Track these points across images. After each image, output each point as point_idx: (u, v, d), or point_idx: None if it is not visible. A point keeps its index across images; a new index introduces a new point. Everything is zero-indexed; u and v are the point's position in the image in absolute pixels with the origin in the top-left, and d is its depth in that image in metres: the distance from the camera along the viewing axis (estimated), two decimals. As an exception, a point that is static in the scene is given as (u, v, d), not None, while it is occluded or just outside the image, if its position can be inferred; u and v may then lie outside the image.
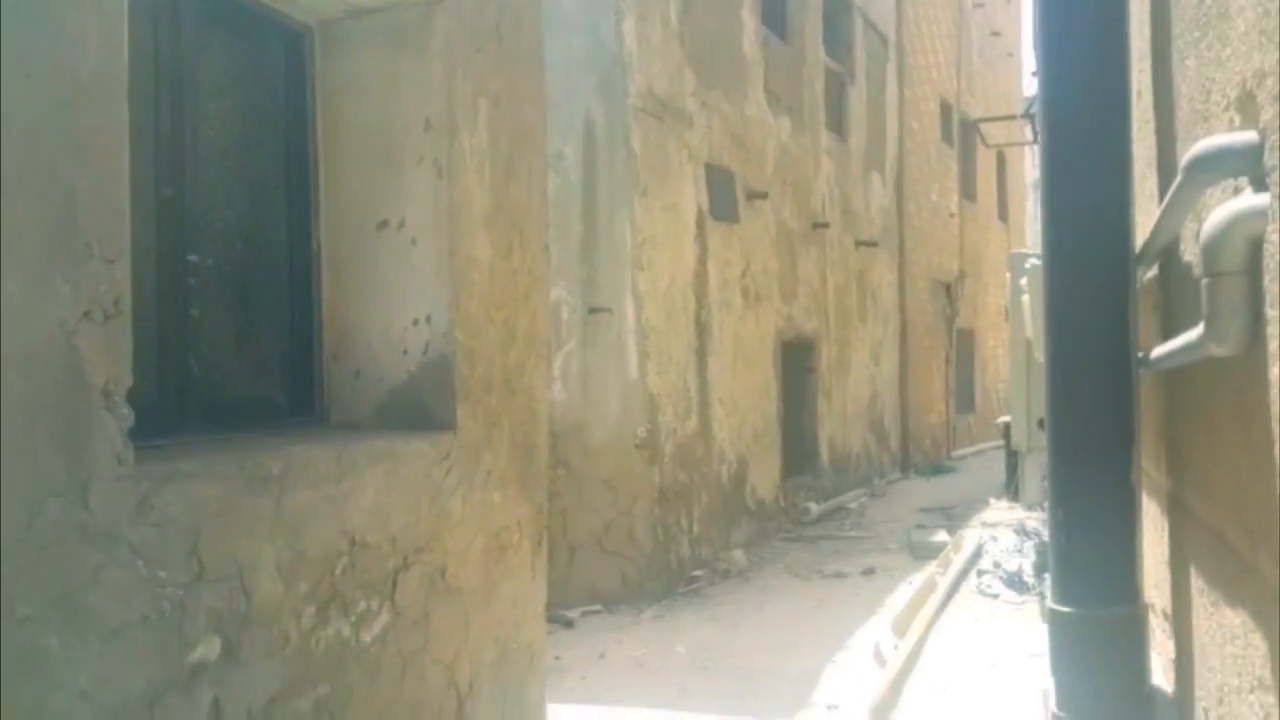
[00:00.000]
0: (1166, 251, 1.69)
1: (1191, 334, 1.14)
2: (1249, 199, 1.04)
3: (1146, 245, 1.83)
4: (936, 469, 13.82)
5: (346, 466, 2.77)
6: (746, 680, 5.06)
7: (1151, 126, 1.90)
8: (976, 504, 10.52)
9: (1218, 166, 1.13)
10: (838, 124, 11.41)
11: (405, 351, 3.32)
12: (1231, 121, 1.21)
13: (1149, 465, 1.91)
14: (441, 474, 3.21)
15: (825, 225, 10.43)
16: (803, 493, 9.49)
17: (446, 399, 3.30)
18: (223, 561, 2.26)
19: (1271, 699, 1.02)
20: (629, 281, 6.64)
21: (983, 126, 18.30)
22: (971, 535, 8.02)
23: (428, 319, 3.30)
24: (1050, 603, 1.88)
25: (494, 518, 3.55)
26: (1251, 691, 1.10)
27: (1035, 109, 10.08)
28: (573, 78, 6.49)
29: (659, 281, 6.92)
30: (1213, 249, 1.06)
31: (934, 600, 5.94)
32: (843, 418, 10.97)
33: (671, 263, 7.14)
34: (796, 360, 9.65)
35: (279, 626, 2.47)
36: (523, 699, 3.72)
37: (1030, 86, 15.47)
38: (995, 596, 6.21)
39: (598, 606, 6.38)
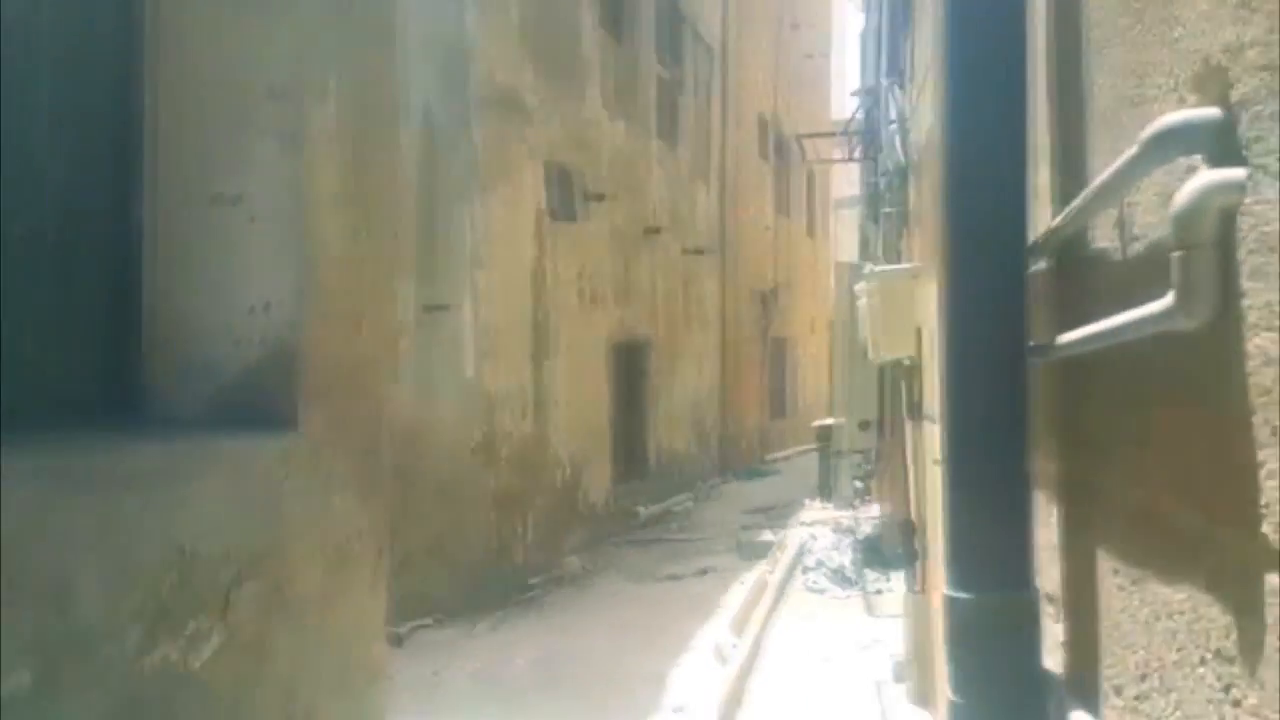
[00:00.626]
0: (1071, 241, 1.72)
1: (1151, 308, 1.13)
2: (1222, 173, 1.03)
3: (1044, 238, 1.86)
4: (754, 472, 14.22)
5: (179, 468, 2.47)
6: (592, 689, 4.96)
7: (1047, 122, 1.94)
8: (795, 505, 10.88)
9: (1181, 142, 1.12)
10: (669, 132, 11.55)
11: (241, 342, 3.00)
12: (1182, 101, 1.21)
13: (1038, 454, 1.94)
14: (281, 477, 2.92)
15: (657, 231, 10.52)
16: (633, 497, 9.51)
17: (289, 395, 3.01)
18: (36, 577, 1.94)
19: (1235, 669, 1.00)
20: (468, 279, 6.42)
21: (796, 145, 19.11)
22: (795, 535, 8.27)
23: (267, 307, 2.99)
24: (946, 590, 1.88)
25: (336, 526, 3.28)
26: (1202, 664, 1.09)
27: (854, 127, 10.58)
28: (411, 65, 6.20)
29: (498, 280, 6.73)
30: (1185, 222, 1.05)
31: (766, 599, 6.05)
32: (670, 422, 11.09)
33: (511, 261, 6.97)
34: (629, 364, 9.67)
35: (102, 651, 2.16)
36: None
37: (843, 109, 16.26)
38: (822, 592, 6.41)
39: (429, 620, 6.09)
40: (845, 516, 9.47)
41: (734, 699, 4.53)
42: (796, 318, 19.06)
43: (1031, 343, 1.95)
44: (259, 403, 3.05)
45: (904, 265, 4.54)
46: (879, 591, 6.33)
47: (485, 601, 6.33)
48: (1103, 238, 1.60)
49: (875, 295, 4.49)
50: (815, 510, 10.26)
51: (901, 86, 5.34)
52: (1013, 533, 1.92)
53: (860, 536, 8.01)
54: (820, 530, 8.57)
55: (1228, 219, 1.04)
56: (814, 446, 19.09)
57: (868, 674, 4.87)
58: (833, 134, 12.25)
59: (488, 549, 6.46)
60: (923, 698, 4.41)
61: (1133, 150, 1.25)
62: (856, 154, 12.02)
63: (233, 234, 3.05)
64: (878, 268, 4.58)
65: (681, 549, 8.42)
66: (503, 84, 7.04)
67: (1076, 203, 1.60)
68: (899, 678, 4.67)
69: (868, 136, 9.31)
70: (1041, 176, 2.03)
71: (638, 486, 9.77)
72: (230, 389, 3.05)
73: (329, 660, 3.26)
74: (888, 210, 4.99)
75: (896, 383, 6.85)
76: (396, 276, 4.10)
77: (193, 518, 2.53)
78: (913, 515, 4.48)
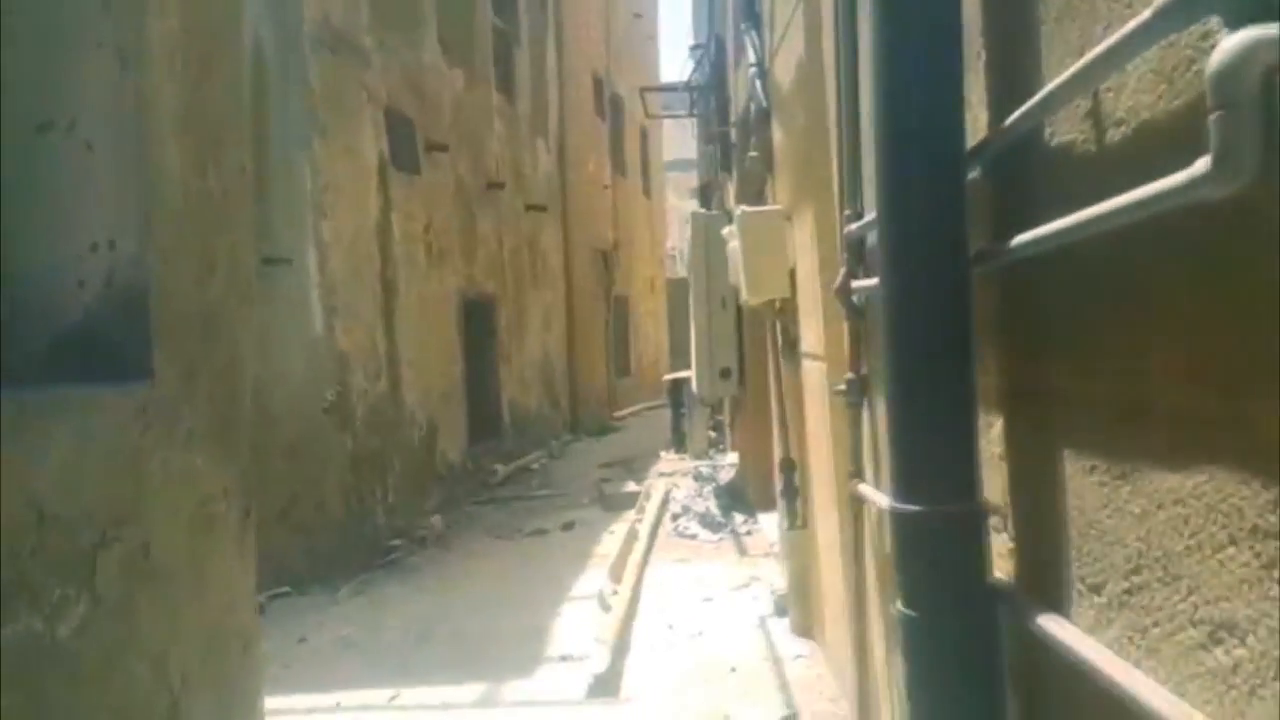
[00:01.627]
0: (1020, 143, 1.71)
1: (1176, 179, 1.10)
2: (1265, 28, 1.01)
3: (983, 144, 1.85)
4: (603, 428, 14.26)
5: (28, 421, 2.16)
6: (472, 645, 4.81)
7: (980, 26, 1.93)
8: (649, 457, 10.97)
9: (1204, 3, 1.10)
10: (506, 85, 11.23)
11: (81, 283, 2.64)
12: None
13: (980, 366, 1.95)
14: (138, 432, 2.62)
15: (500, 186, 10.25)
16: (488, 455, 9.31)
17: (138, 341, 2.69)
18: (-124, 544, 1.64)
19: (1274, 544, 1.00)
20: (310, 230, 6.02)
21: (628, 103, 19.08)
22: (657, 485, 8.32)
23: (110, 244, 2.64)
24: (892, 502, 1.86)
25: (198, 485, 2.98)
26: (1231, 545, 1.09)
27: (696, 81, 10.61)
28: (238, -4, 5.69)
29: (343, 231, 6.35)
30: (1225, 80, 1.02)
31: (639, 546, 6.05)
32: (521, 380, 10.92)
33: (355, 212, 6.59)
34: (478, 322, 9.41)
35: (-45, 626, 1.87)
36: (240, 692, 3.20)
37: (671, 70, 16.29)
38: (693, 537, 6.47)
39: (286, 588, 5.75)
40: (702, 465, 9.62)
41: (621, 644, 4.50)
42: (636, 277, 19.16)
43: (974, 251, 1.96)
44: (105, 350, 2.72)
45: (774, 207, 4.56)
46: (748, 533, 6.45)
47: (345, 566, 6.04)
48: (1066, 132, 1.60)
49: (748, 237, 4.49)
50: (671, 461, 10.37)
51: (758, 30, 5.34)
52: (959, 444, 1.93)
53: (721, 483, 8.16)
54: (680, 480, 8.66)
55: (1269, 77, 1.02)
56: (658, 404, 19.36)
57: (749, 611, 4.95)
58: (674, 88, 12.26)
59: (346, 512, 6.15)
60: (805, 629, 4.52)
61: (1142, 17, 1.23)
62: (697, 109, 12.10)
63: (67, 164, 2.68)
64: (749, 209, 4.58)
65: (542, 505, 8.32)
66: (338, 25, 6.60)
67: (1035, 100, 1.59)
68: (780, 611, 4.77)
69: (712, 88, 9.35)
70: (974, 83, 2.03)
71: (493, 445, 9.57)
72: (69, 335, 2.70)
73: (200, 628, 2.99)
74: (752, 154, 5.00)
75: (760, 327, 6.96)
76: (250, 212, 3.75)
77: (48, 476, 2.24)
78: (791, 453, 4.55)
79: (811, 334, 4.07)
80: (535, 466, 10.25)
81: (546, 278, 12.47)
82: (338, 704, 4.22)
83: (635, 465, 10.36)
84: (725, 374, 7.17)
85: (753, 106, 5.01)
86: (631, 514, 7.52)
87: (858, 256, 2.99)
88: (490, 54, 10.43)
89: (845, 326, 3.04)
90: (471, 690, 4.26)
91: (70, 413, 2.31)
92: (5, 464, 2.07)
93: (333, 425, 6.04)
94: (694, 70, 10.32)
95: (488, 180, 9.91)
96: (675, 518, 6.95)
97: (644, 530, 6.46)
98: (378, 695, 4.26)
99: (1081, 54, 1.46)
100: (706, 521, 6.69)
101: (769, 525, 6.50)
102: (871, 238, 2.91)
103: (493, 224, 10.02)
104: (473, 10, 9.80)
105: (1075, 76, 1.45)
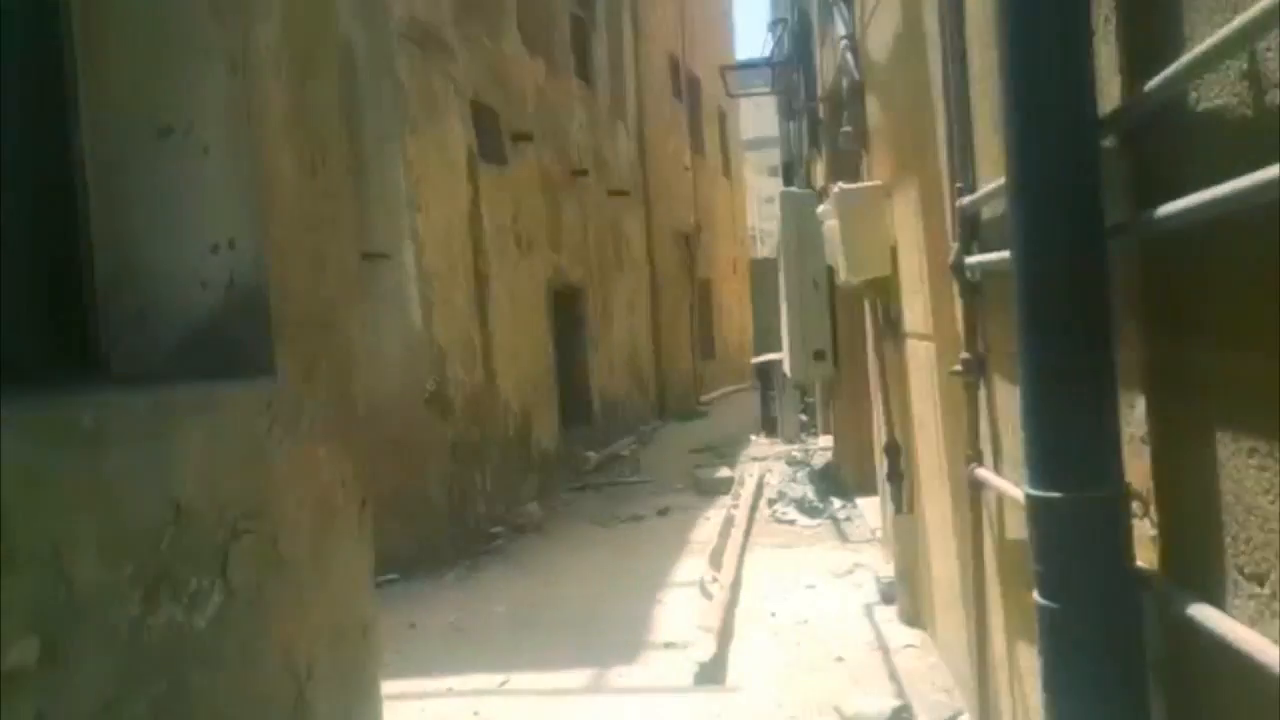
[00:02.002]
0: (1163, 109, 1.61)
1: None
2: None
3: (1119, 112, 1.75)
4: (691, 414, 14.24)
5: (165, 419, 2.24)
6: (576, 631, 4.85)
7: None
8: (739, 442, 10.91)
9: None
10: (584, 71, 11.24)
11: (205, 284, 2.73)
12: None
13: (1124, 343, 1.85)
14: (264, 426, 2.70)
15: (584, 173, 10.27)
16: (581, 443, 9.37)
17: (261, 338, 2.77)
18: (35, 541, 1.71)
19: None
20: (406, 224, 6.12)
21: (705, 83, 18.93)
22: (750, 470, 8.26)
23: (230, 244, 2.72)
24: (1028, 488, 1.79)
25: (320, 476, 3.07)
26: None
27: (777, 57, 10.45)
28: (329, -3, 5.79)
29: (436, 225, 6.44)
30: None
31: (737, 533, 6.02)
32: (610, 367, 10.96)
33: (446, 205, 6.67)
34: (566, 310, 9.47)
35: (106, 617, 1.95)
36: (360, 680, 3.29)
37: (746, 48, 16.08)
38: (792, 523, 6.41)
39: (393, 575, 5.87)
40: (794, 450, 9.53)
41: (725, 631, 4.48)
42: (718, 259, 19.04)
43: (1110, 223, 1.86)
44: (230, 348, 2.80)
45: (873, 183, 4.45)
46: (847, 519, 6.36)
47: (449, 554, 6.15)
48: (1216, 96, 1.50)
49: (846, 215, 4.40)
50: (761, 446, 10.30)
51: (848, 2, 5.21)
52: (1099, 427, 1.84)
53: (816, 468, 8.06)
54: (773, 464, 8.59)
55: None
56: (743, 387, 19.26)
57: (854, 598, 4.88)
58: (755, 64, 12.10)
59: (448, 501, 6.26)
60: (914, 617, 4.43)
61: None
62: (778, 85, 11.92)
63: (187, 168, 2.76)
64: (848, 185, 4.49)
65: (636, 491, 8.34)
66: (423, 19, 6.67)
67: (1181, 62, 1.49)
68: (887, 599, 4.68)
69: (795, 63, 9.19)
70: (1103, 48, 1.93)
71: (584, 432, 9.63)
72: (196, 335, 2.78)
73: (324, 615, 3.07)
74: (846, 129, 4.88)
75: (855, 308, 6.83)
76: (354, 210, 3.82)
77: (184, 472, 2.32)
78: (896, 436, 4.45)
79: (917, 313, 3.97)
80: (625, 453, 10.29)
81: (630, 263, 12.48)
82: (449, 689, 4.30)
83: (726, 450, 10.31)
84: (819, 356, 7.07)
85: (845, 81, 4.89)
86: (726, 499, 7.49)
87: (971, 231, 2.89)
88: (569, 41, 10.44)
89: (959, 304, 2.95)
90: (579, 676, 4.30)
91: (203, 410, 2.39)
92: (143, 463, 2.14)
93: (433, 416, 6.15)
94: (774, 46, 10.16)
95: (571, 168, 9.94)
96: (771, 503, 6.89)
97: (741, 516, 6.42)
98: (488, 680, 4.33)
99: (1236, 11, 1.37)
100: (804, 507, 6.61)
101: (868, 510, 6.40)
102: (987, 211, 2.81)
103: (577, 212, 10.05)
104: (550, 0, 9.82)
105: (1230, 36, 1.35)
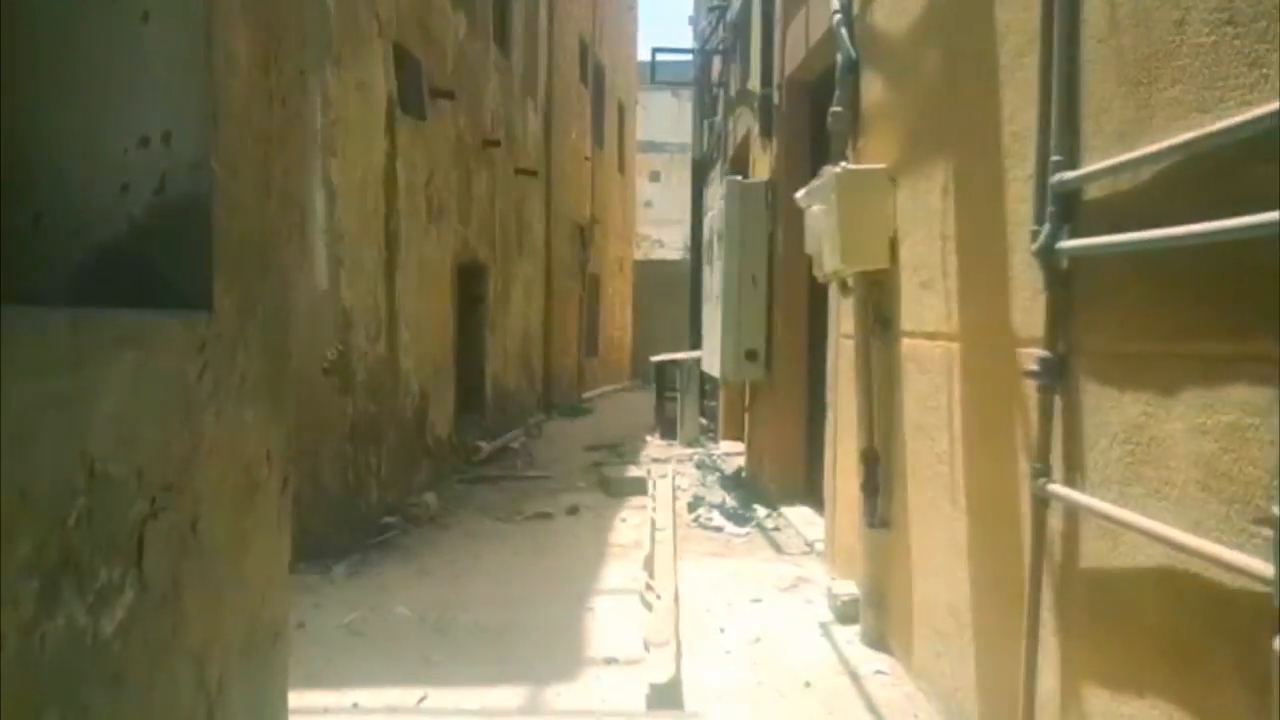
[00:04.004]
0: None
1: None
2: None
3: None
4: (575, 410, 13.72)
5: (85, 349, 1.60)
6: (498, 639, 4.26)
7: None
8: (634, 441, 10.47)
9: None
10: (502, 37, 10.58)
11: (126, 187, 2.05)
12: None
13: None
14: (195, 374, 2.05)
15: (496, 144, 9.61)
16: (472, 431, 8.71)
17: (196, 264, 2.10)
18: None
19: None
20: (319, 169, 5.36)
21: (610, 74, 18.50)
22: (660, 470, 7.81)
23: (165, 139, 2.04)
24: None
25: (246, 444, 2.41)
26: None
27: (714, 45, 10.08)
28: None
29: (352, 175, 5.70)
30: None
31: (665, 538, 5.55)
32: (504, 354, 10.31)
33: (364, 155, 5.94)
34: (468, 288, 8.80)
35: (-15, 617, 1.31)
36: (269, 694, 2.64)
37: (646, 42, 15.63)
38: (719, 529, 5.99)
39: (273, 567, 5.10)
40: (695, 453, 9.15)
41: (675, 645, 4.00)
42: (607, 256, 18.61)
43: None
44: (152, 274, 2.11)
45: (875, 166, 4.08)
46: (776, 529, 5.99)
47: (338, 544, 5.42)
48: None
49: (845, 200, 4.00)
50: (659, 447, 9.89)
51: (839, -22, 4.84)
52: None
53: (727, 473, 7.69)
54: (678, 467, 8.17)
55: None
56: (621, 386, 18.85)
57: (805, 615, 4.48)
58: (687, 52, 11.71)
59: (342, 485, 5.53)
60: (879, 639, 4.07)
61: None
62: (700, 78, 11.58)
63: (114, 32, 2.07)
64: (851, 166, 4.09)
65: (535, 487, 7.75)
66: (350, -57, 5.93)
67: None
68: (844, 619, 4.31)
69: (734, 50, 8.84)
70: None
71: (475, 420, 8.97)
72: (106, 254, 2.09)
73: (239, 618, 2.40)
74: (836, 109, 4.50)
75: (793, 307, 6.49)
76: (305, 123, 3.17)
77: (103, 421, 1.66)
78: (875, 445, 4.08)
79: (927, 310, 3.61)
80: (516, 445, 9.67)
81: (531, 247, 11.87)
82: (354, 704, 3.65)
83: (623, 449, 9.84)
84: (751, 356, 6.70)
85: (839, 58, 4.51)
86: (639, 500, 7.02)
87: (1067, 213, 2.52)
88: (491, 1, 9.77)
89: (1043, 297, 2.57)
90: (510, 694, 3.72)
91: (130, 344, 1.73)
92: (58, 402, 1.49)
93: (332, 389, 5.41)
94: (709, 32, 9.78)
95: (484, 137, 9.27)
96: (691, 508, 6.45)
97: (663, 519, 5.96)
98: (401, 695, 3.69)
99: None
100: (729, 514, 6.20)
101: (798, 520, 6.06)
102: (1096, 188, 2.44)
103: (487, 185, 9.39)
104: (476, -47, 9.14)
105: None
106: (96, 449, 1.62)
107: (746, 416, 7.56)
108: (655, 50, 13.11)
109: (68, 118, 1.98)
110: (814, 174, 6.10)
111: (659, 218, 30.89)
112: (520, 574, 5.24)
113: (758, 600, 4.69)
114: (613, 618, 4.51)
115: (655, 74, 11.54)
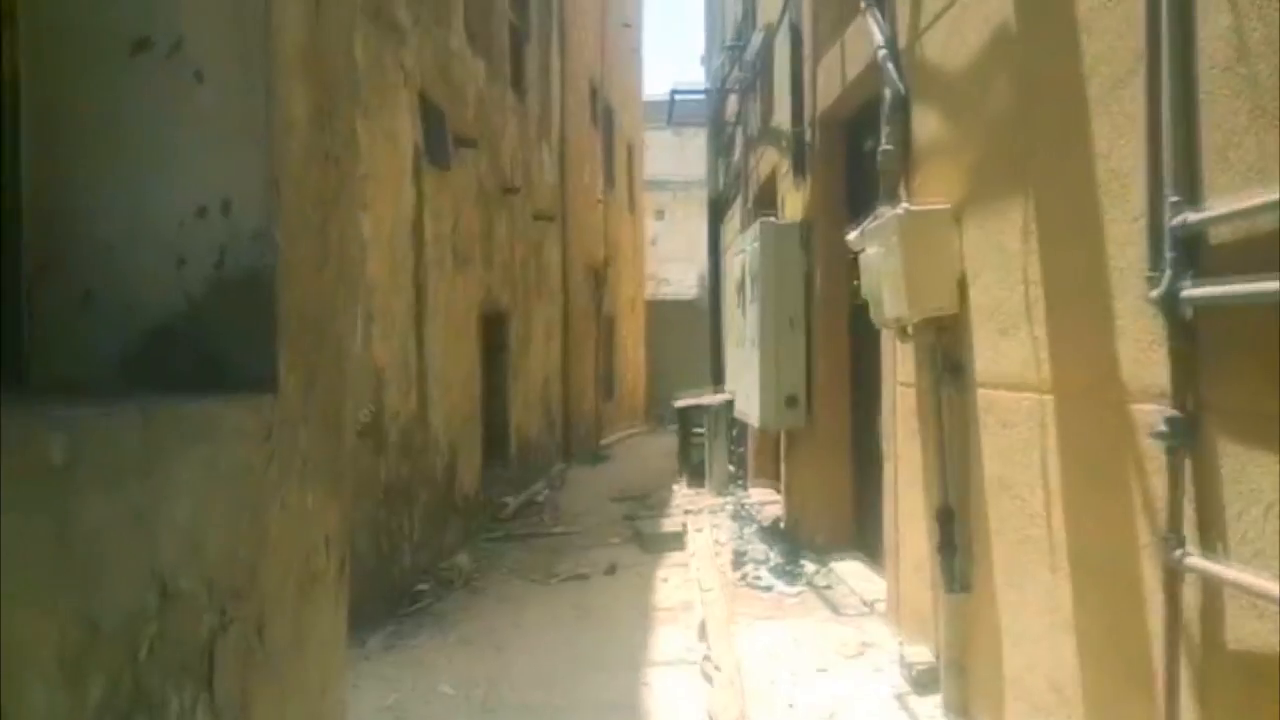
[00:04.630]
0: None
1: None
2: None
3: None
4: (595, 457, 13.47)
5: (155, 448, 1.40)
6: (553, 720, 4.00)
7: None
8: (660, 490, 10.20)
9: None
10: (518, 82, 10.49)
11: (183, 261, 1.86)
12: None
13: None
14: (263, 464, 1.86)
15: (515, 190, 9.48)
16: (498, 486, 8.46)
17: (261, 341, 1.91)
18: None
19: None
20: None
21: (619, 115, 18.47)
22: (697, 524, 7.55)
23: (224, 207, 1.86)
24: None
25: (308, 532, 2.20)
26: None
27: (731, 84, 9.98)
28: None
29: (382, 227, 5.53)
30: None
31: (714, 599, 5.28)
32: (526, 402, 10.09)
33: (393, 206, 5.77)
34: (492, 335, 8.60)
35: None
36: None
37: (653, 83, 15.68)
38: (769, 589, 5.71)
39: (305, 641, 4.85)
40: (726, 502, 8.88)
41: (743, 726, 3.73)
42: (620, 296, 18.47)
43: None
44: (212, 353, 1.93)
45: (938, 205, 3.88)
46: (828, 586, 5.72)
47: (371, 614, 5.16)
48: None
49: (908, 241, 3.80)
50: (688, 496, 9.61)
51: (881, 8, 4.69)
52: None
53: (764, 524, 7.42)
54: (711, 518, 7.90)
55: None
56: (637, 430, 18.59)
57: (878, 685, 4.21)
58: (702, 92, 11.61)
59: (375, 552, 5.29)
60: (962, 708, 3.79)
61: None
62: (714, 117, 11.47)
63: (167, 96, 1.88)
64: (914, 207, 3.89)
65: (564, 544, 7.48)
66: (374, -6, 5.81)
67: None
68: (921, 688, 4.04)
69: (756, 89, 8.72)
70: None
71: (500, 474, 8.72)
72: (164, 333, 1.91)
73: (300, 714, 2.19)
74: (886, 147, 4.32)
75: (834, 352, 6.27)
76: (357, 185, 2.98)
77: (174, 531, 1.47)
78: (951, 502, 3.84)
79: (1009, 358, 3.38)
80: (540, 499, 9.41)
81: (550, 292, 11.70)
82: (406, 801, 3.39)
83: (651, 500, 9.57)
84: (792, 402, 6.47)
85: (888, 93, 4.33)
86: (677, 557, 6.75)
87: (1190, 258, 2.31)
88: (507, 47, 9.69)
89: (1165, 348, 2.35)
90: (572, 785, 3.46)
91: (201, 438, 1.53)
92: (130, 516, 1.29)
93: (366, 451, 5.19)
94: (728, 70, 9.67)
95: (504, 183, 9.14)
96: (736, 565, 6.18)
97: (709, 579, 5.69)
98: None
99: None
100: (777, 571, 5.93)
101: (850, 575, 5.78)
102: (1223, 231, 2.23)
103: (507, 230, 9.23)
104: (491, 0, 9.07)
105: None
106: (168, 564, 1.42)
107: (783, 464, 7.30)
108: (674, 91, 12.99)
109: (117, 187, 1.80)
110: (851, 213, 5.93)
111: (664, 255, 30.82)
112: (566, 644, 4.97)
113: (823, 670, 4.41)
114: (671, 693, 4.24)
115: (672, 114, 11.40)
